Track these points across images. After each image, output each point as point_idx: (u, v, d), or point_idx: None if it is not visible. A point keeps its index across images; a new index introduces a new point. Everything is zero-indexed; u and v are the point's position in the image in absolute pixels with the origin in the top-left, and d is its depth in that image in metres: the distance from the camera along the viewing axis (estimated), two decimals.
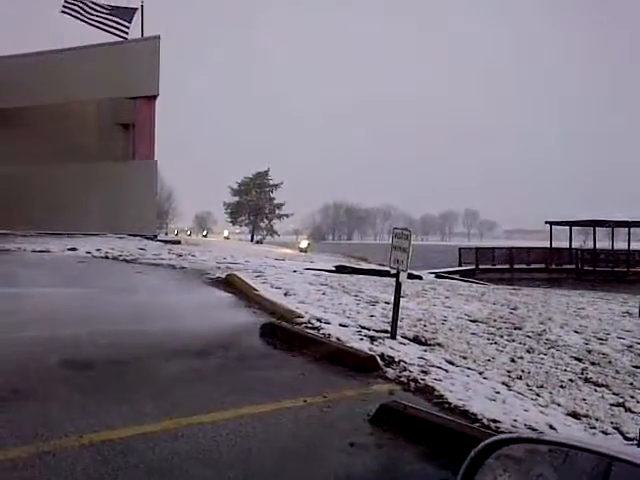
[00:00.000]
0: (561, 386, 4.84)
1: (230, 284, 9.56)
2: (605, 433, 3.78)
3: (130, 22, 23.42)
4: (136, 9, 23.71)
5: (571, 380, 5.05)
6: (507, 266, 32.62)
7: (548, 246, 36.46)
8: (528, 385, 4.76)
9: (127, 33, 23.31)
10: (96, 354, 4.99)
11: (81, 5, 22.95)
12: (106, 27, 23.06)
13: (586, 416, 4.09)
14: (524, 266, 33.17)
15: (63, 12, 22.96)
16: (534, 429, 3.67)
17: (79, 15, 22.92)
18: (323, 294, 8.70)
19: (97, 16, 22.95)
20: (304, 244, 33.66)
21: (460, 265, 31.63)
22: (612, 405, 4.43)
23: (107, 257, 13.96)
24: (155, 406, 3.77)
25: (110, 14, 23.15)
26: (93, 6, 23.09)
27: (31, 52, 23.27)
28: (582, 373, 5.32)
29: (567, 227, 37.63)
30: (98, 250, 14.91)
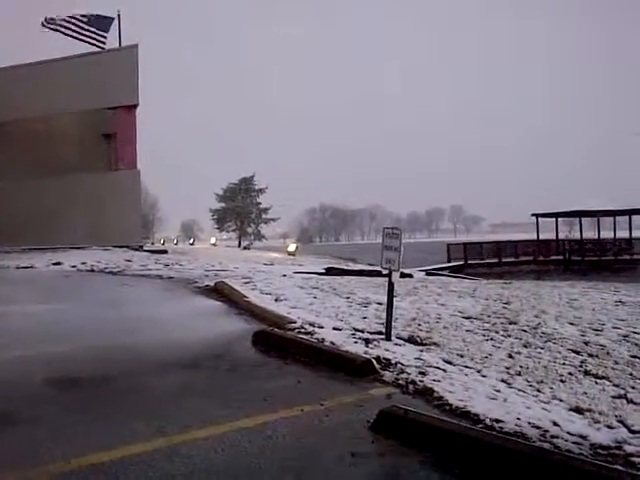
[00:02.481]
0: (561, 380, 4.75)
1: (219, 292, 9.42)
2: (610, 427, 3.69)
3: (107, 32, 23.24)
4: (113, 18, 23.53)
5: (570, 374, 4.96)
6: (495, 260, 32.73)
7: (535, 238, 36.66)
8: (528, 381, 4.67)
9: (104, 43, 23.13)
10: (83, 371, 4.84)
11: (59, 21, 22.76)
12: (84, 37, 22.87)
13: (589, 410, 4.00)
14: (512, 259, 33.33)
15: (42, 28, 22.75)
16: (538, 427, 3.58)
17: (58, 28, 22.71)
18: (314, 298, 8.58)
19: (75, 27, 22.74)
20: (292, 247, 33.61)
21: (449, 261, 31.66)
22: (614, 397, 4.35)
23: (93, 270, 13.75)
24: (146, 423, 3.63)
25: (87, 24, 22.94)
26: (70, 19, 22.89)
27: (9, 65, 22.95)
28: (581, 366, 5.24)
29: (553, 219, 37.80)
30: (83, 263, 14.70)
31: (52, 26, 22.72)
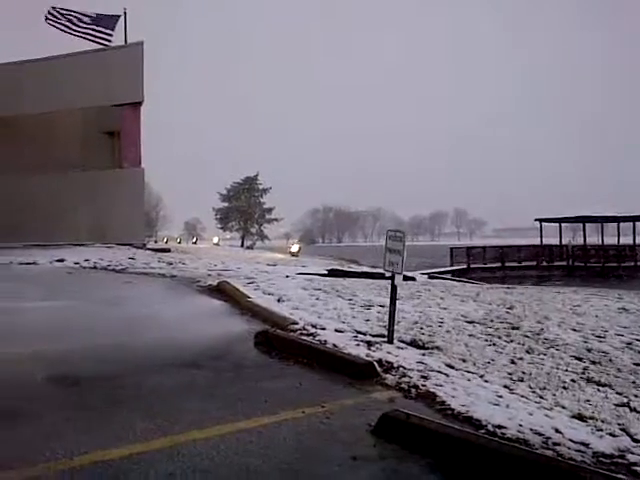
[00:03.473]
0: (564, 387, 4.73)
1: (222, 291, 9.41)
2: (613, 435, 3.67)
3: (113, 30, 23.27)
4: (119, 16, 23.58)
5: (573, 380, 4.95)
6: (499, 264, 32.70)
7: (538, 243, 36.60)
8: (530, 387, 4.66)
9: (110, 41, 23.15)
10: (85, 369, 4.84)
11: (65, 15, 22.77)
12: (89, 37, 22.89)
13: (592, 418, 3.99)
14: (515, 264, 33.27)
15: (47, 21, 22.77)
16: (540, 434, 3.56)
17: (63, 27, 22.74)
18: (317, 299, 8.57)
19: (80, 26, 22.77)
20: (295, 248, 33.58)
21: (452, 265, 31.63)
22: (617, 405, 4.33)
23: (96, 267, 13.77)
24: (148, 423, 3.62)
25: (93, 23, 22.98)
26: (76, 16, 22.92)
27: (13, 61, 22.98)
28: (584, 373, 5.23)
29: (557, 224, 37.73)
30: (86, 260, 14.72)
31: (57, 23, 22.74)
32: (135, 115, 22.32)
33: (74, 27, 22.80)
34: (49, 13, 22.80)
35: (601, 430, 3.76)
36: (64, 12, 22.86)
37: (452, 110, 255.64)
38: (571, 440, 3.50)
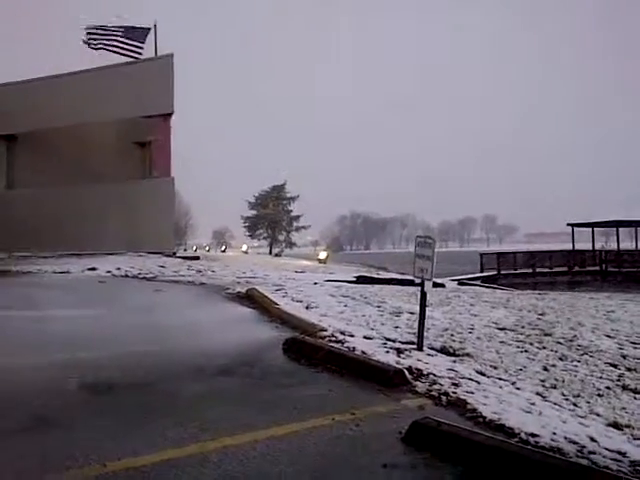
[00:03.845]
0: (598, 394, 4.64)
1: (251, 299, 9.47)
2: None
3: (143, 42, 23.71)
4: (149, 29, 24.01)
5: (608, 388, 4.85)
6: (529, 270, 32.19)
7: (570, 249, 35.96)
8: (564, 395, 4.57)
9: (141, 54, 23.58)
10: (118, 377, 4.90)
11: (100, 32, 23.31)
12: (121, 50, 23.36)
13: (628, 426, 3.89)
14: (547, 270, 32.70)
15: (88, 45, 23.34)
16: (575, 442, 3.50)
17: (97, 44, 23.28)
18: (345, 306, 8.56)
19: (112, 40, 23.27)
20: (323, 255, 33.60)
21: (482, 271, 31.26)
22: None
23: (127, 276, 13.98)
24: (179, 429, 3.65)
25: (124, 36, 23.45)
26: (109, 30, 23.43)
27: (47, 76, 23.54)
28: (619, 380, 5.12)
29: (589, 229, 37.04)
30: (118, 269, 14.95)
31: (94, 44, 23.31)
32: (166, 126, 22.64)
33: (107, 42, 23.32)
34: (86, 36, 23.36)
35: (638, 439, 3.67)
36: (98, 30, 23.38)
37: (482, 115, 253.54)
38: (607, 449, 3.43)
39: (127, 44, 23.31)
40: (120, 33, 23.54)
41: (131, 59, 23.39)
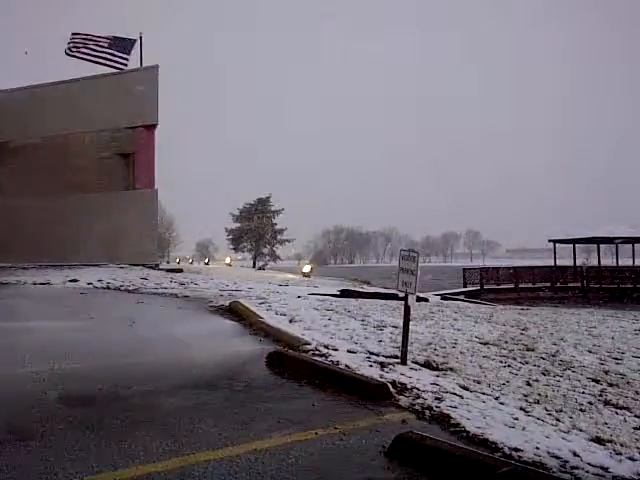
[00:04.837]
0: (581, 410, 4.66)
1: (234, 312, 9.40)
2: (632, 459, 3.60)
3: (129, 54, 23.66)
4: (135, 40, 23.98)
5: (590, 403, 4.87)
6: (512, 286, 32.37)
7: (552, 264, 36.29)
8: (547, 410, 4.58)
9: (126, 65, 23.53)
10: (98, 389, 4.84)
11: (83, 41, 23.22)
12: (106, 61, 23.29)
13: (610, 441, 3.91)
14: (529, 285, 32.93)
15: (67, 54, 23.21)
16: (558, 457, 3.50)
17: (81, 55, 23.18)
18: (329, 319, 8.53)
19: (97, 50, 23.20)
20: (307, 269, 33.55)
21: (465, 286, 31.39)
22: (635, 429, 4.26)
23: (109, 288, 13.83)
24: (160, 443, 3.60)
25: (109, 47, 23.39)
26: (93, 40, 23.35)
27: (30, 85, 23.39)
28: (601, 395, 5.15)
29: (570, 245, 37.43)
30: (99, 281, 14.80)
31: (78, 53, 23.20)
32: (149, 137, 22.54)
33: (92, 52, 23.23)
34: (69, 44, 23.25)
35: (620, 454, 3.69)
36: (82, 38, 23.30)
37: (461, 129, 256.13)
38: (589, 464, 3.44)
39: (113, 55, 23.26)
40: (106, 44, 23.49)
41: (116, 70, 23.34)
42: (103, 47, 23.31)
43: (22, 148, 22.56)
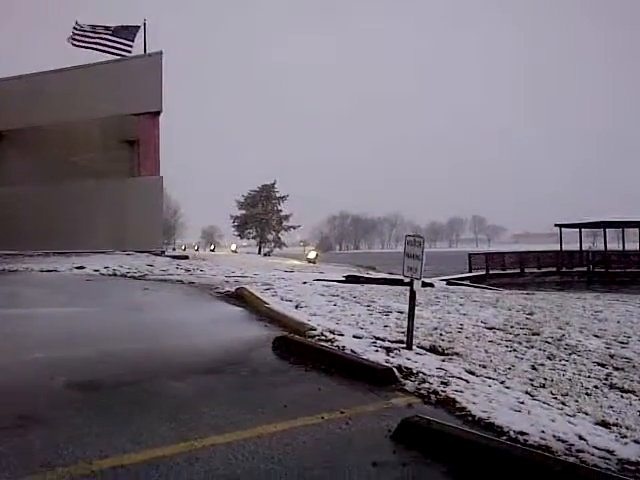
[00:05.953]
0: (587, 393, 4.66)
1: (240, 298, 9.43)
2: (637, 442, 3.60)
3: (133, 40, 23.55)
4: (138, 27, 23.85)
5: (596, 387, 4.88)
6: (518, 270, 32.37)
7: (558, 249, 36.20)
8: (552, 394, 4.59)
9: (130, 52, 23.44)
10: (105, 375, 4.86)
11: (87, 31, 23.12)
12: (110, 49, 23.20)
13: (616, 425, 3.92)
14: (535, 270, 32.90)
15: (71, 42, 23.10)
16: (563, 440, 3.51)
17: (85, 44, 23.08)
18: (335, 305, 8.55)
19: (101, 39, 23.10)
20: (312, 255, 33.58)
21: (470, 271, 31.37)
22: None
23: (115, 274, 13.88)
24: (167, 428, 3.62)
25: (113, 35, 23.28)
26: (97, 29, 23.25)
27: (34, 72, 23.36)
28: (607, 379, 5.15)
29: (576, 230, 37.31)
30: (106, 268, 14.84)
31: (81, 42, 23.11)
32: (154, 124, 22.53)
33: (96, 41, 23.14)
34: (73, 33, 23.14)
35: (625, 437, 3.69)
36: (86, 28, 23.19)
37: (469, 118, 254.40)
38: (595, 447, 3.44)
39: (116, 42, 23.15)
40: (109, 32, 23.38)
41: (120, 57, 23.25)
42: (107, 35, 23.20)
43: (28, 136, 22.62)
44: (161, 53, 22.70)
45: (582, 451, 3.38)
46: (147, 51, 23.57)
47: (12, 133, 22.88)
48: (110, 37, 23.20)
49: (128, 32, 23.60)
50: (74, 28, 23.19)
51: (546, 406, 4.24)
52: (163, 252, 22.81)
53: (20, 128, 22.47)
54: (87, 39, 23.11)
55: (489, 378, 4.93)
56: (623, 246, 37.79)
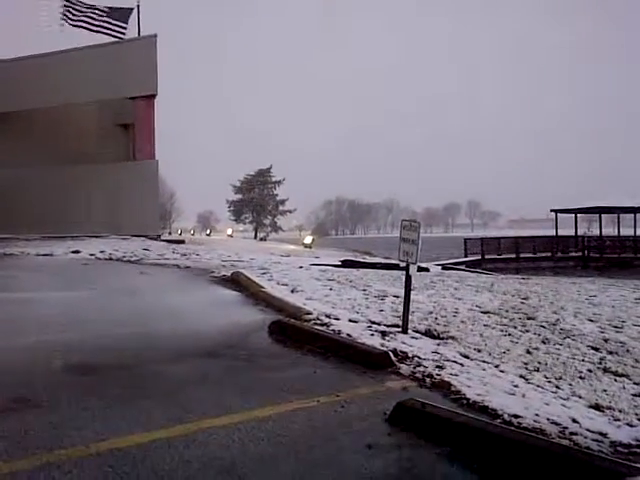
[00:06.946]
0: (580, 377, 4.70)
1: (236, 282, 9.44)
2: (630, 425, 3.64)
3: (126, 23, 23.34)
4: (132, 9, 23.62)
5: (590, 370, 4.91)
6: (513, 255, 32.48)
7: (553, 234, 36.30)
8: (546, 377, 4.62)
9: (124, 34, 23.23)
10: (102, 358, 4.88)
11: (78, 9, 22.85)
12: (103, 30, 22.98)
13: (609, 408, 3.95)
14: (530, 255, 33.01)
15: (63, 19, 22.83)
16: (557, 423, 3.54)
17: (77, 23, 22.82)
18: (330, 289, 8.57)
19: (94, 19, 22.86)
20: (308, 240, 33.51)
21: (466, 256, 31.47)
22: (634, 395, 4.30)
23: (111, 258, 13.87)
24: (164, 411, 3.64)
25: (106, 16, 23.04)
26: (89, 10, 22.99)
27: (29, 55, 23.15)
28: (600, 363, 5.18)
29: (572, 215, 37.37)
30: (102, 252, 14.83)
31: (72, 21, 22.85)
32: (149, 107, 22.40)
33: (88, 21, 22.89)
34: (64, 10, 22.86)
35: (619, 420, 3.73)
36: (77, 6, 22.90)
37: (463, 102, 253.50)
38: (588, 430, 3.48)
39: (110, 24, 22.92)
40: (103, 13, 23.13)
41: (114, 39, 23.04)
42: (100, 16, 22.97)
43: (22, 119, 22.46)
44: (155, 36, 22.50)
45: (575, 434, 3.41)
46: (141, 34, 23.37)
47: (6, 115, 22.71)
48: (103, 18, 22.97)
49: (122, 14, 23.38)
50: (64, 4, 22.86)
51: (540, 389, 4.27)
52: (159, 236, 22.79)
53: (14, 111, 22.30)
54: (81, 17, 22.85)
55: (484, 362, 4.96)
56: (618, 231, 37.86)
